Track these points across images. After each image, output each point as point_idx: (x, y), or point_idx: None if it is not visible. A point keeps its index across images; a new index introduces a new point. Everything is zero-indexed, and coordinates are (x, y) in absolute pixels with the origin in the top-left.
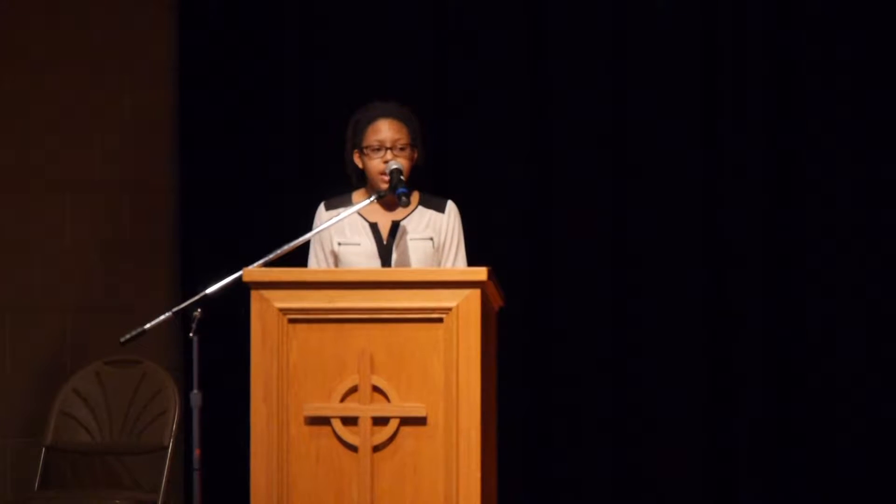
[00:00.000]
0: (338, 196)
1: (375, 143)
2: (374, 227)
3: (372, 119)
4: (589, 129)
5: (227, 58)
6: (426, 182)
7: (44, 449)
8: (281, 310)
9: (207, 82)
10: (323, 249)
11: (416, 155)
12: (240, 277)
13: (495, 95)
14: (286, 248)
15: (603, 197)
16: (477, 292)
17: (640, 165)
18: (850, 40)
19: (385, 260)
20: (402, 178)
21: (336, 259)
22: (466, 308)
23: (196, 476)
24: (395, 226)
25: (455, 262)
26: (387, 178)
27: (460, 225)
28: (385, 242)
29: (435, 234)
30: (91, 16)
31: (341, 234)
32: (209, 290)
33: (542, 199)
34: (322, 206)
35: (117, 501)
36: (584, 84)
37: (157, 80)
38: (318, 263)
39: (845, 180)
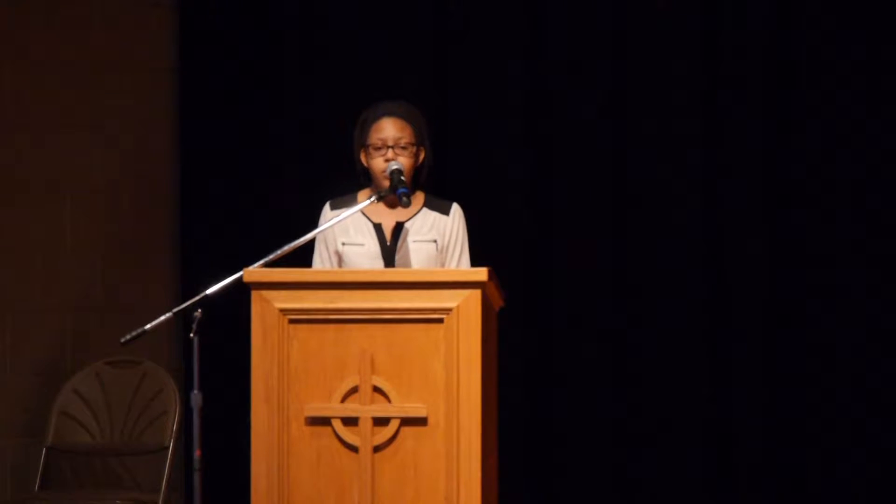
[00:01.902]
0: (343, 196)
1: (378, 142)
2: (377, 228)
3: (377, 118)
4: (589, 128)
5: (227, 58)
6: (426, 182)
7: (44, 449)
8: (281, 310)
9: (207, 82)
10: (327, 249)
11: (421, 155)
12: (240, 278)
13: (495, 95)
14: (286, 248)
15: (603, 197)
16: (477, 293)
17: (642, 166)
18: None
19: (388, 261)
20: (402, 178)
21: (340, 259)
22: (467, 308)
23: (196, 476)
24: (399, 227)
25: (458, 265)
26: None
27: (465, 227)
28: (388, 243)
29: (439, 236)
30: (91, 16)
31: (345, 234)
32: (209, 291)
33: (542, 200)
34: (327, 206)
35: (117, 502)
36: (584, 83)
37: (157, 80)
38: (321, 263)
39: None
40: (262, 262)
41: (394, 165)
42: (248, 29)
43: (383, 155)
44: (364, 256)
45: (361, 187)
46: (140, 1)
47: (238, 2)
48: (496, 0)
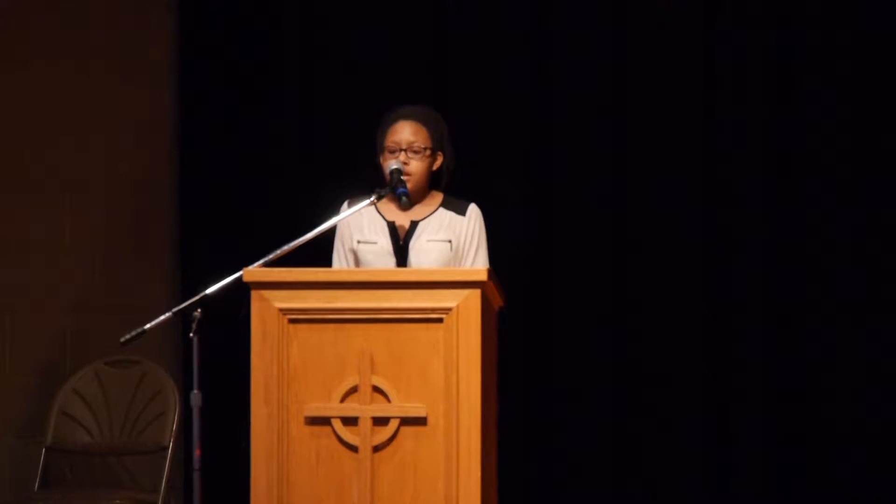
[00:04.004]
0: (362, 196)
1: (392, 145)
2: (391, 227)
3: (393, 121)
4: (590, 128)
5: (227, 58)
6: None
7: (44, 449)
8: (281, 310)
9: (207, 82)
10: (343, 247)
11: (439, 159)
12: (240, 277)
13: (496, 95)
14: (286, 247)
15: (603, 196)
16: (477, 292)
17: (642, 166)
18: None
19: (400, 259)
20: (401, 178)
21: (355, 257)
22: (466, 308)
23: (196, 476)
24: (414, 226)
25: (474, 265)
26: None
27: (482, 228)
28: (402, 242)
29: (454, 237)
30: (91, 16)
31: (360, 232)
32: (209, 290)
33: (542, 199)
34: (345, 205)
35: (117, 501)
36: (584, 83)
37: (157, 80)
38: (339, 261)
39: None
40: (261, 261)
41: (393, 165)
42: (248, 29)
43: (396, 157)
44: (376, 254)
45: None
46: (140, 1)
47: (238, 2)
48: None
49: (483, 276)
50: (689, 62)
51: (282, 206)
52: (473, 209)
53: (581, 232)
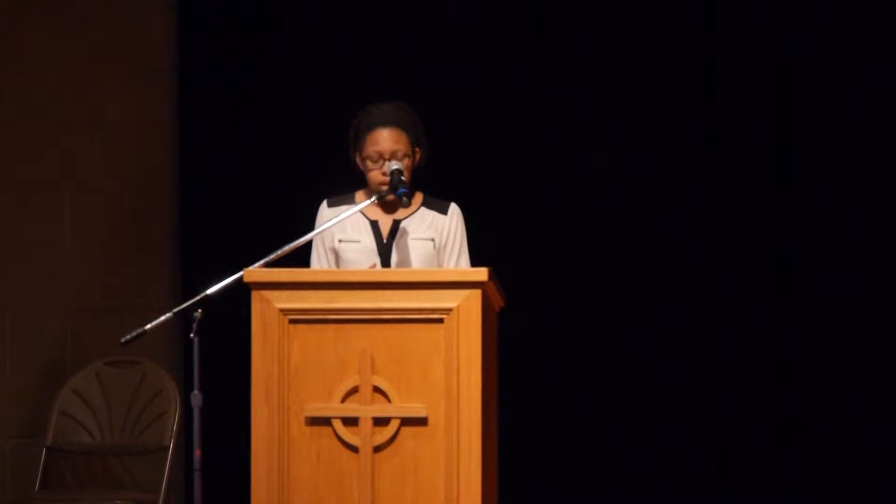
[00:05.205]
0: (340, 194)
1: (374, 154)
2: (374, 226)
3: (371, 127)
4: (589, 128)
5: (227, 58)
6: (425, 181)
7: (44, 449)
8: (282, 310)
9: (207, 82)
10: (324, 246)
11: (417, 156)
12: (240, 278)
13: (495, 95)
14: (287, 248)
15: (603, 197)
16: (477, 293)
17: (641, 166)
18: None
19: (384, 258)
20: (402, 178)
21: (337, 256)
22: (467, 308)
23: (196, 476)
24: (396, 225)
25: (458, 265)
26: (387, 179)
27: (463, 227)
28: (385, 241)
29: (436, 235)
30: (91, 16)
31: (343, 231)
32: (210, 291)
33: (542, 199)
34: (324, 204)
35: (117, 501)
36: (584, 84)
37: (157, 80)
38: (318, 261)
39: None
40: (262, 262)
41: (393, 165)
42: (248, 29)
43: (380, 168)
44: (360, 252)
45: (359, 186)
46: (140, 1)
47: (238, 2)
48: (498, 10)
49: (484, 277)
50: (688, 62)
51: (282, 206)
52: (454, 208)
53: (581, 231)
